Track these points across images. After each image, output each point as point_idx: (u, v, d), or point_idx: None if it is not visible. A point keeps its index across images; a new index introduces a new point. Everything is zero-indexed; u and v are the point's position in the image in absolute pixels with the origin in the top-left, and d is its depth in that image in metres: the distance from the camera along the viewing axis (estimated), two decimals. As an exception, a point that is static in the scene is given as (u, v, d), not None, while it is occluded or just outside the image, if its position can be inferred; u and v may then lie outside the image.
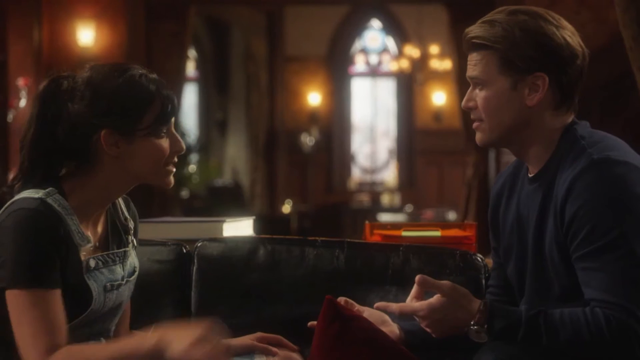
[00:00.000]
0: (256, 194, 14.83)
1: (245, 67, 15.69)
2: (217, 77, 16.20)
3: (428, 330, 1.96)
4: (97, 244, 2.04)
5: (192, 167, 15.46)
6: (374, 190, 15.24)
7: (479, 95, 2.01)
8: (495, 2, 10.84)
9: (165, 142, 2.02)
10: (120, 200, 2.15)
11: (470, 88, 2.03)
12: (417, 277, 1.97)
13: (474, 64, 2.00)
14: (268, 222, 12.19)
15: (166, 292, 2.41)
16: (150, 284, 2.34)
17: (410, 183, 15.21)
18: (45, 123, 1.99)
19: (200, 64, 16.23)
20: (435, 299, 1.93)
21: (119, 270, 2.06)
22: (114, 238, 2.09)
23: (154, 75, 2.02)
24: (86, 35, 9.53)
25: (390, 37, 15.63)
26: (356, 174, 15.65)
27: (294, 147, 14.61)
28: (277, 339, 2.26)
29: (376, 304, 2.05)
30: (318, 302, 2.13)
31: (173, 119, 2.04)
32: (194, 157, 15.43)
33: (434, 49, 13.95)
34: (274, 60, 14.78)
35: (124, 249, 2.10)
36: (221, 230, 2.56)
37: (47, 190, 1.95)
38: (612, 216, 1.84)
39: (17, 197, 1.96)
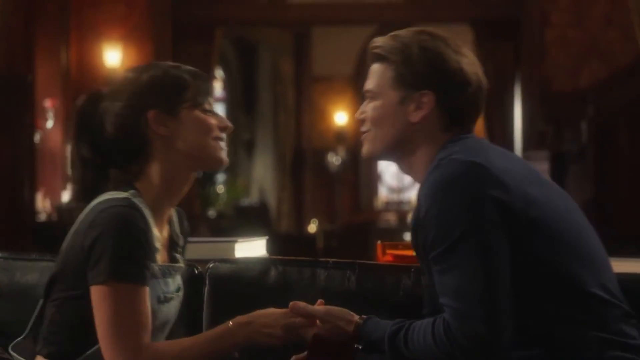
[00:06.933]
0: (283, 214, 14.86)
1: (273, 87, 15.78)
2: (244, 97, 16.29)
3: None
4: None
5: (219, 187, 15.53)
6: (401, 209, 15.20)
7: (368, 106, 2.04)
8: (520, 21, 10.86)
9: (211, 118, 2.07)
10: (175, 216, 2.16)
11: (365, 101, 2.06)
12: (290, 304, 2.04)
13: (371, 76, 2.04)
14: (294, 242, 12.19)
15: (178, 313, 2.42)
16: (162, 305, 2.35)
17: (437, 202, 15.15)
18: (91, 132, 2.03)
19: (228, 84, 16.34)
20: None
21: (171, 283, 2.07)
22: (171, 250, 2.12)
23: (188, 67, 2.10)
24: (113, 56, 9.62)
25: (417, 57, 15.64)
26: (383, 193, 15.63)
27: (320, 166, 14.64)
28: None
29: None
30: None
31: (212, 102, 2.10)
32: (221, 177, 15.50)
33: (460, 68, 13.93)
34: (301, 80, 14.85)
35: (178, 264, 2.13)
36: (233, 250, 2.56)
37: (128, 191, 1.97)
38: (451, 218, 1.82)
39: (101, 198, 1.96)
